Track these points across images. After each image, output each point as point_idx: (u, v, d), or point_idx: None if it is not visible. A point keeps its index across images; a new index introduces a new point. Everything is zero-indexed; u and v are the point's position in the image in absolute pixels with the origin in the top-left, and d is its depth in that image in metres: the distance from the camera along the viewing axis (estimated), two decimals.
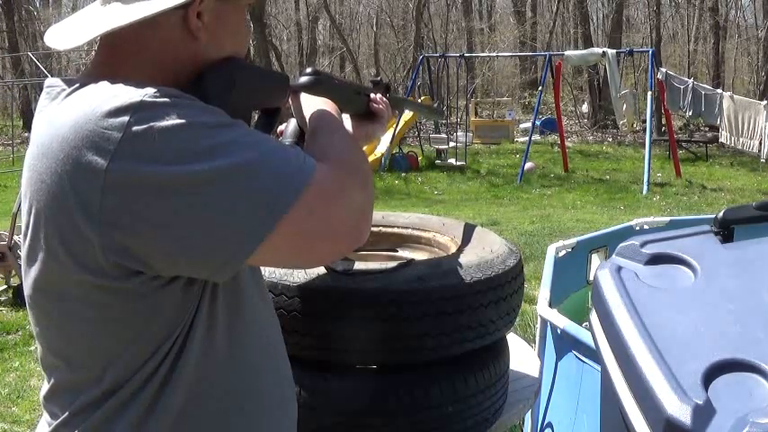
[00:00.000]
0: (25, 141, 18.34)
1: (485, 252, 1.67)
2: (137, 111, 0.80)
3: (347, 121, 1.29)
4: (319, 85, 1.17)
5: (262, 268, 1.59)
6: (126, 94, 0.82)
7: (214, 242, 0.82)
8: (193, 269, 0.86)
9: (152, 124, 0.80)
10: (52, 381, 0.95)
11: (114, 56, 0.92)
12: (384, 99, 1.35)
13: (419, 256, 1.85)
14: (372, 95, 1.33)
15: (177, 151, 0.80)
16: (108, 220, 0.80)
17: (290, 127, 1.20)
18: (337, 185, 0.90)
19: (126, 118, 0.80)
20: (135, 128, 0.79)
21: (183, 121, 0.81)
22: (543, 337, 2.64)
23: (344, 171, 0.93)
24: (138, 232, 0.81)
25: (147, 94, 0.82)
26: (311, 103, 1.13)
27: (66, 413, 0.92)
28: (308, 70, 1.19)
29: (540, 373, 1.98)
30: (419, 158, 13.28)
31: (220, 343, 0.94)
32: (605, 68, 11.89)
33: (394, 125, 12.82)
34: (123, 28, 0.88)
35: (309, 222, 0.86)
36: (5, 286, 5.38)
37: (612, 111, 12.21)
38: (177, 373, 0.91)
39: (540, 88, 13.04)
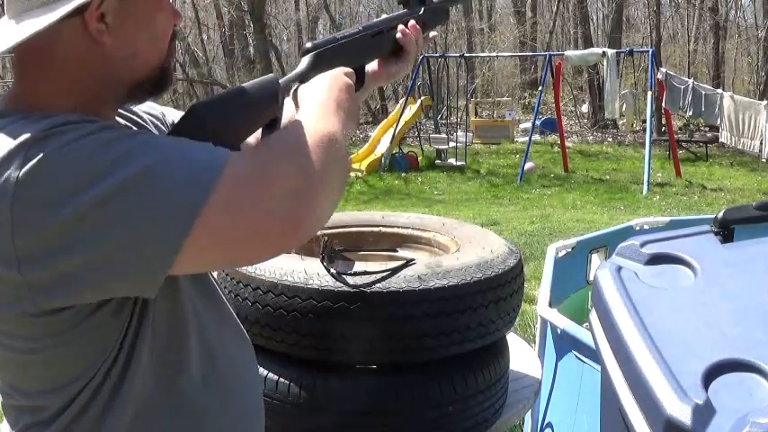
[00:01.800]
0: None
1: (485, 252, 1.67)
2: (21, 157, 0.77)
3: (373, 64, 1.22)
4: (321, 63, 1.06)
5: (262, 269, 1.59)
6: (7, 142, 0.79)
7: (131, 258, 0.78)
8: (116, 288, 0.82)
9: (40, 168, 0.76)
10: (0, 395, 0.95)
11: (26, 71, 0.90)
12: (416, 25, 1.23)
13: (419, 256, 1.85)
14: (400, 26, 1.21)
15: (74, 180, 0.76)
16: (26, 261, 0.77)
17: None
18: (258, 173, 0.81)
19: (10, 172, 0.76)
20: (22, 181, 0.76)
21: (70, 148, 0.77)
22: (543, 337, 2.64)
23: (272, 155, 0.84)
24: (58, 266, 0.78)
25: (29, 135, 0.78)
26: (308, 91, 1.01)
27: (14, 430, 0.93)
28: (306, 46, 1.08)
29: (541, 373, 1.98)
30: (419, 158, 13.28)
31: (157, 364, 0.92)
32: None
33: (394, 125, 12.83)
34: (23, 44, 0.84)
35: (227, 219, 0.79)
36: None
37: (606, 108, 12.17)
38: (120, 397, 0.89)
39: (540, 88, 13.03)
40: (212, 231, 0.79)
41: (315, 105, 0.95)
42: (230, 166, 0.80)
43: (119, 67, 0.90)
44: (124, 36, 0.89)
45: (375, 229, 2.03)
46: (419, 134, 14.84)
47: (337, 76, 1.02)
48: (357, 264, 1.55)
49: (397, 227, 2.02)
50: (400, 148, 13.27)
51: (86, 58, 0.88)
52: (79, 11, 0.85)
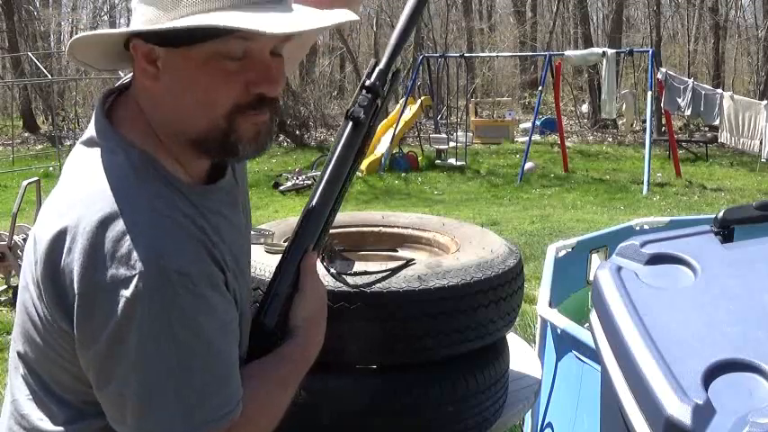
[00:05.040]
0: (25, 141, 18.35)
1: (485, 252, 1.67)
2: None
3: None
4: None
5: (262, 269, 1.59)
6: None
7: None
8: None
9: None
10: None
11: (131, 96, 0.96)
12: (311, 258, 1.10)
13: (419, 256, 1.85)
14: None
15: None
16: None
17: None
18: None
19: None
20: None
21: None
22: (543, 337, 2.64)
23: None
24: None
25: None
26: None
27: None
28: None
29: (541, 373, 1.98)
30: (419, 158, 13.27)
31: None
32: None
33: (394, 125, 12.82)
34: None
35: None
36: (5, 286, 5.37)
37: (603, 108, 12.17)
38: None
39: (540, 88, 13.02)
40: None
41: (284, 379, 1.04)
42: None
43: (171, 114, 0.91)
44: (169, 85, 0.90)
45: (375, 229, 2.02)
46: (419, 134, 14.84)
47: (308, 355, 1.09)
48: (357, 264, 1.55)
49: (397, 227, 2.02)
50: (400, 148, 13.27)
51: (148, 93, 0.92)
52: (127, 40, 0.90)
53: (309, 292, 1.07)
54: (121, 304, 0.81)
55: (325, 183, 1.10)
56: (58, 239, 0.84)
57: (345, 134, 1.11)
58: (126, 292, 0.81)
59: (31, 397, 0.94)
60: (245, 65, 0.89)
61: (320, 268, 1.55)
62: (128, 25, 0.93)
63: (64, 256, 0.84)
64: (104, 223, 0.83)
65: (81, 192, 0.88)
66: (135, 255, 0.82)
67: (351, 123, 1.11)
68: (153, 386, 0.84)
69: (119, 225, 0.83)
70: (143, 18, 0.88)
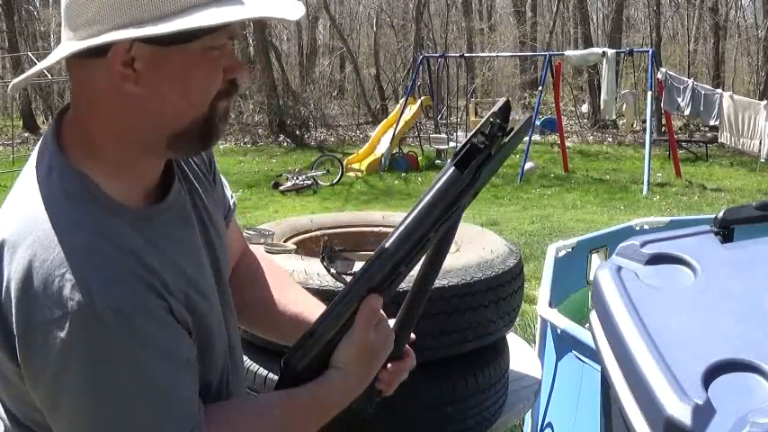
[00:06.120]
0: (25, 141, 18.34)
1: (485, 252, 1.67)
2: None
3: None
4: None
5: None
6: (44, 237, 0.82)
7: None
8: None
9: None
10: None
11: (73, 100, 0.91)
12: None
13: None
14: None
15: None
16: None
17: None
18: None
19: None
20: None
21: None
22: (543, 337, 2.64)
23: None
24: None
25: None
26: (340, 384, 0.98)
27: None
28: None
29: (541, 373, 1.98)
30: (419, 158, 13.27)
31: None
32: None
33: (394, 125, 12.82)
34: (71, 70, 0.87)
35: None
36: None
37: (602, 108, 12.17)
38: None
39: (540, 88, 13.02)
40: None
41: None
42: None
43: (151, 118, 0.88)
44: (155, 86, 0.86)
45: (375, 229, 2.02)
46: (419, 134, 14.84)
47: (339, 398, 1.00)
48: (357, 264, 1.55)
49: None
50: (400, 149, 13.27)
51: (115, 101, 0.87)
52: (100, 52, 0.83)
53: (361, 334, 0.96)
54: (56, 347, 0.79)
55: (404, 228, 0.95)
56: None
57: (445, 178, 0.94)
58: (59, 334, 0.78)
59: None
60: (222, 53, 0.90)
61: (321, 268, 1.55)
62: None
63: (2, 295, 0.81)
64: (35, 257, 0.80)
65: (15, 217, 0.85)
66: (65, 293, 0.79)
67: (454, 167, 0.93)
68: (97, 429, 0.82)
69: (48, 261, 0.80)
70: (119, 21, 0.83)
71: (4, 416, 0.92)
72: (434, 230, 0.95)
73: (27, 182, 0.89)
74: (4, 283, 0.82)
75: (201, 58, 0.87)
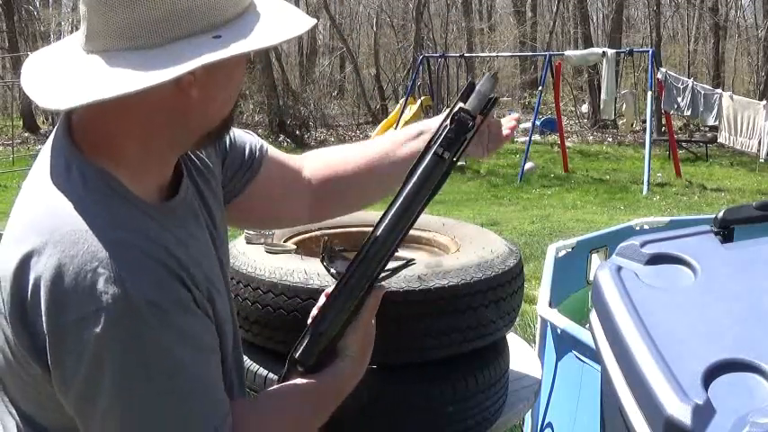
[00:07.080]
0: (25, 141, 18.34)
1: (485, 252, 1.67)
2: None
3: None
4: None
5: (262, 269, 1.59)
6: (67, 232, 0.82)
7: None
8: None
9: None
10: None
11: (100, 115, 0.87)
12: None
13: (419, 256, 1.84)
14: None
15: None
16: None
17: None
18: None
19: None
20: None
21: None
22: (543, 337, 2.64)
23: None
24: None
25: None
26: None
27: None
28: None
29: (541, 373, 1.98)
30: None
31: None
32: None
33: (394, 125, 12.82)
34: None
35: None
36: None
37: (602, 108, 12.17)
38: None
39: (540, 88, 13.02)
40: None
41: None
42: None
43: (195, 118, 0.91)
44: (209, 89, 0.89)
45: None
46: None
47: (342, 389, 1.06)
48: None
49: None
50: None
51: (170, 106, 0.87)
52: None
53: (367, 324, 1.03)
54: (90, 343, 0.78)
55: (393, 215, 1.01)
56: (21, 276, 0.80)
57: (423, 166, 1.01)
58: (94, 329, 0.78)
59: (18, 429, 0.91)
60: None
61: (321, 268, 1.54)
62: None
63: (29, 297, 0.80)
64: (64, 254, 0.79)
65: (37, 216, 0.84)
66: (99, 287, 0.78)
67: (431, 156, 1.01)
68: (133, 427, 0.82)
69: (78, 256, 0.79)
70: (191, 29, 0.84)
71: (18, 418, 0.91)
72: (417, 216, 1.03)
73: (43, 180, 0.87)
74: (31, 283, 0.80)
75: (241, 59, 0.91)
